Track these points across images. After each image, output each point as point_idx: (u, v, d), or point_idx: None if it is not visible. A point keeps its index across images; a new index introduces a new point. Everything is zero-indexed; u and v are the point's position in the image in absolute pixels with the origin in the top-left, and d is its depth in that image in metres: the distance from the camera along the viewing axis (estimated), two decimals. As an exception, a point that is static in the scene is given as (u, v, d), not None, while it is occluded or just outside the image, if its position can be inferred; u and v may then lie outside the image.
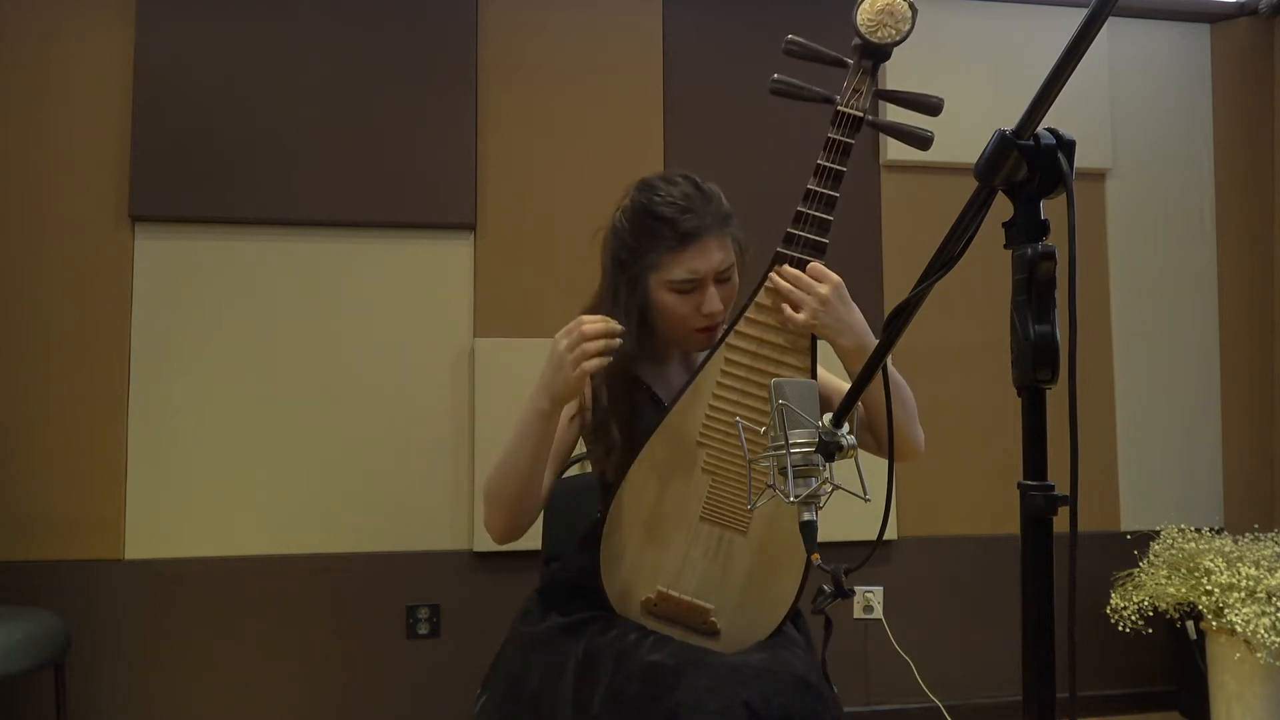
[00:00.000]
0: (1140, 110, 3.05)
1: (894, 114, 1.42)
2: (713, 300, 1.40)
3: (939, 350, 2.84)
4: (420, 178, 2.62)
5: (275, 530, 2.53)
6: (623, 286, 1.41)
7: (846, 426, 1.04)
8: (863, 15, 1.33)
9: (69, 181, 2.51)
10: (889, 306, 0.86)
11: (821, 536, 1.06)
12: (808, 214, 1.35)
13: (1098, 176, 3.02)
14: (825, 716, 1.26)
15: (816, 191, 1.35)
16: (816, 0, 2.76)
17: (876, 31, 1.33)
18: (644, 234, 1.39)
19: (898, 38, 1.32)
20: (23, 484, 2.45)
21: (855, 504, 1.04)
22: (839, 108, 1.36)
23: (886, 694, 2.77)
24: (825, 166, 1.35)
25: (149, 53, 2.53)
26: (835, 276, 1.35)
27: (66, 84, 2.53)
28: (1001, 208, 0.85)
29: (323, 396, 2.57)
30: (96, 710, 2.44)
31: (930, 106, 1.35)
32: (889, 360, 1.37)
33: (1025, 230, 0.82)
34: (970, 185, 0.84)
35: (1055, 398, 0.82)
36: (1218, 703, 2.53)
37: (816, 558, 1.07)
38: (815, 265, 1.36)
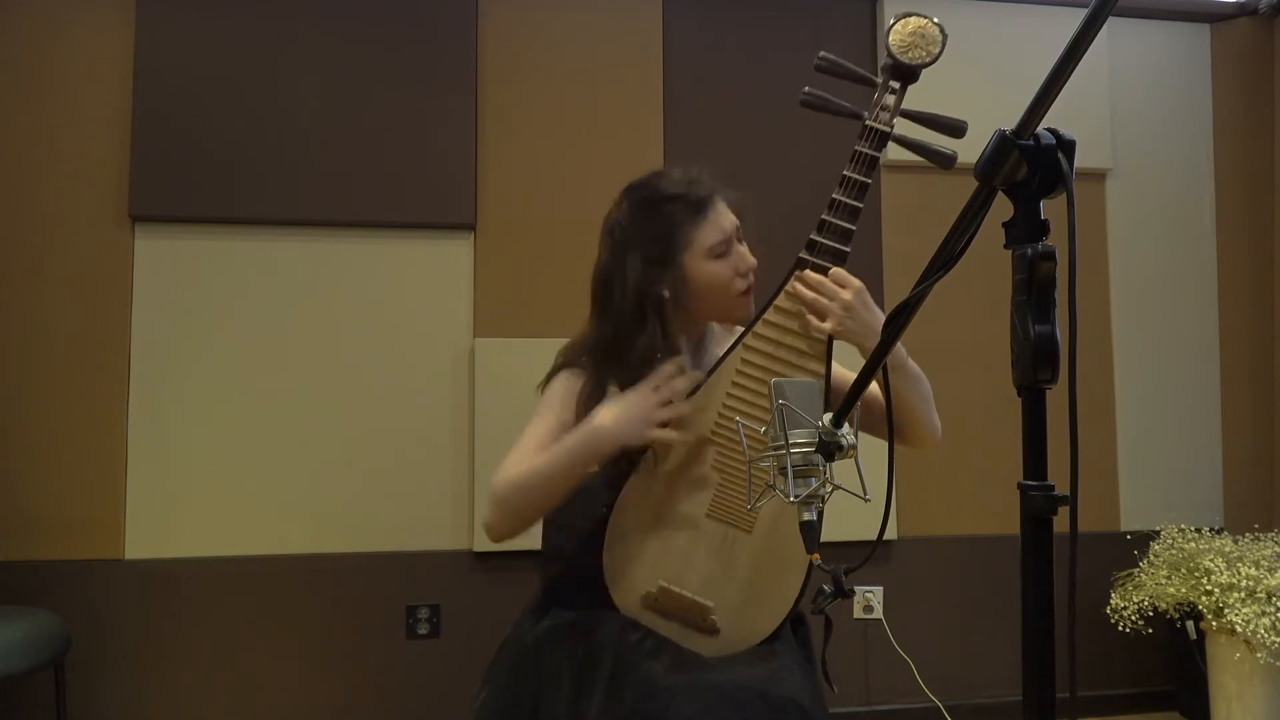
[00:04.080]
0: (1140, 110, 3.05)
1: (920, 133, 1.44)
2: (745, 255, 1.46)
3: (939, 350, 2.83)
4: (420, 178, 2.62)
5: (275, 530, 2.53)
6: (640, 290, 1.40)
7: (846, 426, 1.04)
8: (895, 36, 1.36)
9: (69, 181, 2.51)
10: (889, 306, 0.86)
11: (822, 536, 1.06)
12: (831, 222, 1.38)
13: (1098, 176, 3.02)
14: None
15: (841, 201, 1.38)
16: (815, 1, 2.77)
17: (908, 53, 1.36)
18: (661, 221, 1.41)
19: (928, 59, 1.36)
20: (23, 484, 2.45)
21: (855, 504, 1.04)
22: (867, 122, 1.38)
23: (886, 694, 2.77)
24: (851, 178, 1.38)
25: (149, 53, 2.53)
26: (857, 282, 1.37)
27: (67, 84, 2.52)
28: (1001, 208, 0.85)
29: (323, 396, 2.57)
30: (96, 710, 2.44)
31: (955, 128, 1.38)
32: (905, 354, 1.39)
33: (1025, 230, 0.82)
34: (970, 185, 0.84)
35: (1055, 398, 0.82)
36: (1218, 703, 2.53)
37: (816, 558, 1.07)
38: (837, 271, 1.38)
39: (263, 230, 2.58)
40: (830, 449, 1.02)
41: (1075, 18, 0.73)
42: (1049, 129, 0.80)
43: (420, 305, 2.63)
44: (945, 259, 0.87)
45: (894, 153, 2.89)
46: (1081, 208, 2.95)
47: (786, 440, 1.04)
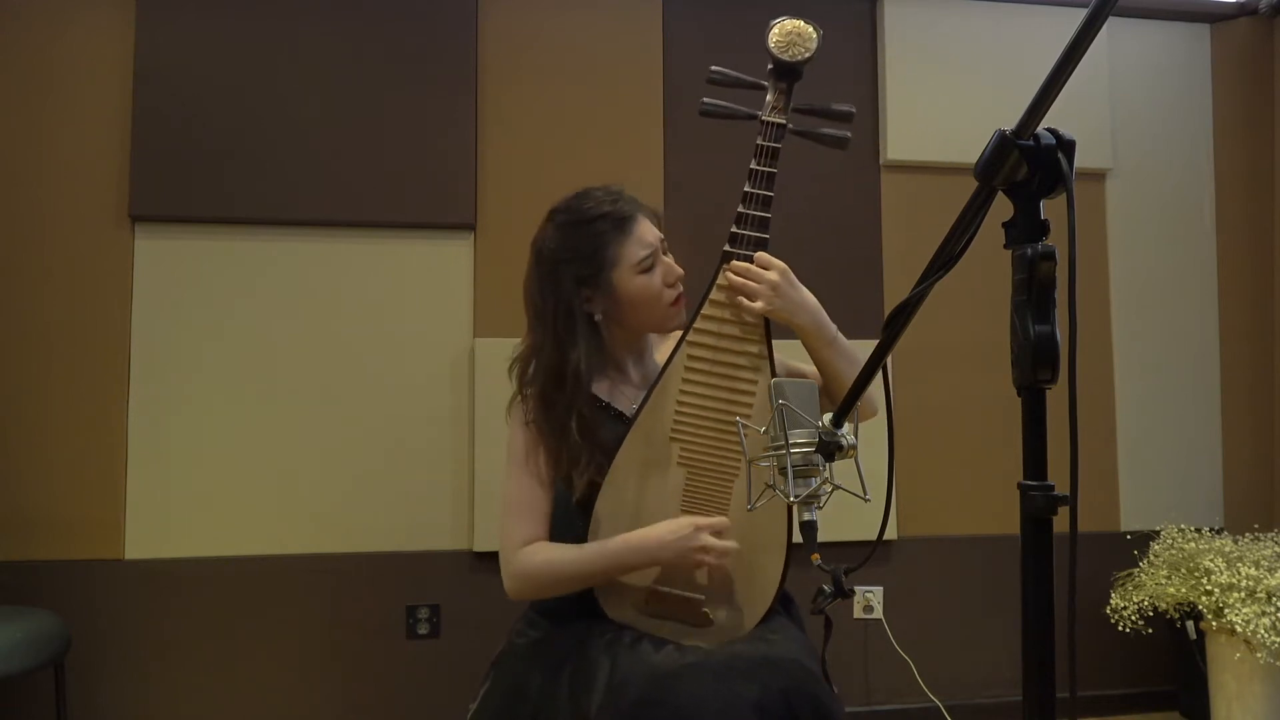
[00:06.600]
0: (1140, 110, 3.05)
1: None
2: (672, 266, 1.53)
3: (939, 350, 2.84)
4: (420, 178, 2.62)
5: (275, 530, 2.53)
6: (570, 308, 1.46)
7: (846, 426, 1.04)
8: (773, 39, 1.48)
9: (69, 181, 2.51)
10: (889, 306, 0.86)
11: (821, 536, 1.06)
12: (748, 214, 1.48)
13: (1098, 176, 3.02)
14: (823, 697, 1.29)
15: (753, 193, 1.48)
16: (815, 1, 2.76)
17: (787, 51, 1.47)
18: (587, 240, 1.47)
19: (807, 55, 1.48)
20: (23, 484, 2.45)
21: (855, 504, 1.04)
22: (763, 118, 1.50)
23: (886, 694, 2.77)
24: (758, 170, 1.49)
25: (149, 53, 2.53)
26: (780, 263, 1.45)
27: (67, 84, 2.52)
28: (1001, 208, 0.85)
29: (323, 396, 2.57)
30: (96, 710, 2.44)
31: (841, 115, 1.52)
32: (836, 331, 1.47)
33: (1025, 230, 0.82)
34: (970, 185, 0.84)
35: (1055, 398, 0.82)
36: (1218, 703, 2.53)
37: (816, 558, 1.07)
38: (761, 254, 1.46)
39: (263, 230, 2.57)
40: (830, 449, 1.02)
41: (1075, 18, 0.73)
42: (1049, 129, 0.80)
43: (420, 305, 2.63)
44: (945, 259, 0.87)
45: (894, 152, 2.90)
46: (1081, 208, 2.95)
47: (786, 440, 1.04)
